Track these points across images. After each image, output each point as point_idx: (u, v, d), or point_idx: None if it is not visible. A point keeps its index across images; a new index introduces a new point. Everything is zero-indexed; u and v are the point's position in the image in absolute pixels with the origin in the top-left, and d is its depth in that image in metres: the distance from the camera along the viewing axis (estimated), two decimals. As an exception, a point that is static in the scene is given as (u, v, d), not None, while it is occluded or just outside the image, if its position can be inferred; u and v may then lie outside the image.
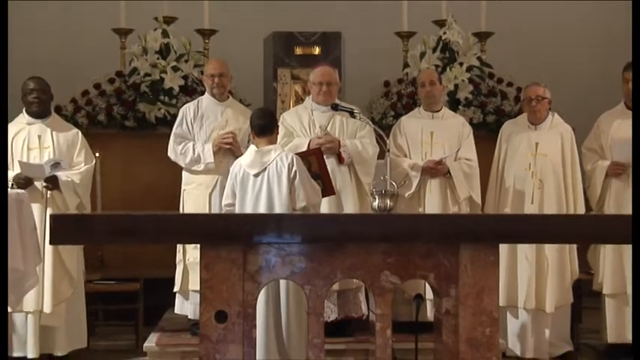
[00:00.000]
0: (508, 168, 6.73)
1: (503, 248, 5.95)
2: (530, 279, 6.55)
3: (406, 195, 6.53)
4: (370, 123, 6.39)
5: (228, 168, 6.05)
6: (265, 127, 5.80)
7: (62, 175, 6.33)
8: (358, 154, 6.39)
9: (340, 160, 6.36)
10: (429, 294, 5.99)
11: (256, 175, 5.69)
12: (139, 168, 7.61)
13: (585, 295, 6.85)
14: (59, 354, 6.41)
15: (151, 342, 6.39)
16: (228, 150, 6.54)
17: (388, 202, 5.30)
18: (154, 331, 6.66)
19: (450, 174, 6.61)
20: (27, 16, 8.76)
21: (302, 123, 6.52)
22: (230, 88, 6.97)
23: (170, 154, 6.69)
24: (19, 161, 6.33)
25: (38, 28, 8.82)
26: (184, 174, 6.71)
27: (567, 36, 9.14)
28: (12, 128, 6.47)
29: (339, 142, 6.37)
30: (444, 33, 8.24)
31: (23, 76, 6.63)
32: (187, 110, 6.77)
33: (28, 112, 6.54)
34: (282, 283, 5.52)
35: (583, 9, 9.12)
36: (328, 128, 6.45)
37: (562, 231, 5.20)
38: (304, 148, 6.20)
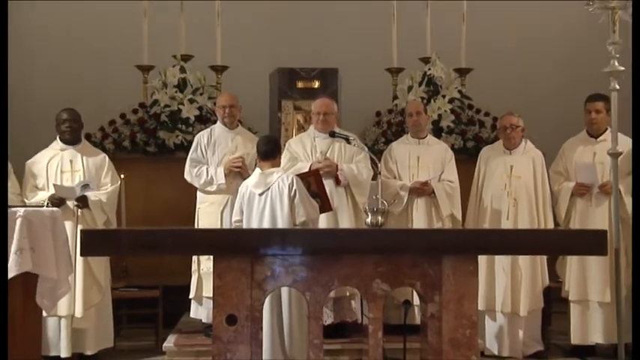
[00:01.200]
0: (486, 188, 6.72)
1: (482, 259, 5.96)
2: (506, 286, 6.53)
3: (396, 212, 6.52)
4: (365, 149, 6.40)
5: (237, 188, 6.03)
6: (269, 152, 5.82)
7: (91, 195, 6.34)
8: (354, 177, 6.39)
9: (337, 182, 6.35)
10: (415, 300, 5.96)
11: (261, 195, 5.70)
12: (159, 188, 7.58)
13: (554, 301, 6.82)
14: (89, 353, 6.39)
15: (169, 342, 6.37)
16: (238, 172, 6.53)
17: (380, 219, 5.28)
18: (172, 333, 6.64)
19: (435, 194, 6.59)
20: (62, 58, 8.86)
21: (305, 149, 6.52)
22: (239, 118, 6.95)
23: (186, 176, 6.69)
24: (54, 184, 6.33)
25: (71, 65, 8.83)
26: (199, 194, 6.70)
27: (539, 73, 9.15)
28: (47, 153, 6.51)
29: (337, 166, 6.37)
30: (429, 69, 8.23)
31: (58, 108, 6.66)
32: (202, 137, 6.78)
33: (61, 140, 6.54)
34: (285, 290, 5.50)
35: (555, 57, 9.15)
36: (328, 154, 6.45)
37: (534, 244, 5.22)
38: (306, 170, 6.21)
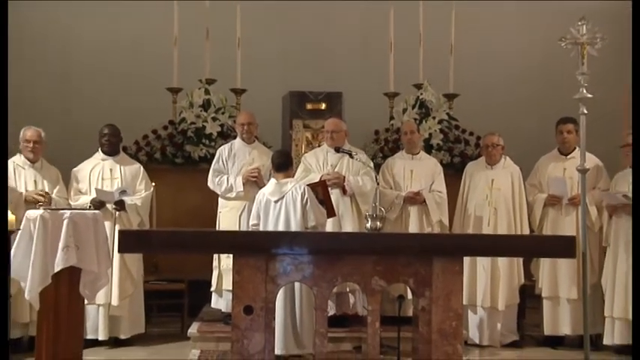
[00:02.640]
0: (470, 198, 6.73)
1: (465, 260, 5.97)
2: (486, 284, 6.54)
3: (392, 218, 6.51)
4: (371, 164, 6.41)
5: (253, 196, 6.03)
6: (282, 165, 5.83)
7: (127, 199, 6.37)
8: (359, 188, 6.38)
9: (344, 191, 6.36)
10: (409, 295, 5.97)
11: (276, 202, 5.70)
12: (185, 195, 7.55)
13: (528, 297, 6.78)
14: (123, 337, 6.40)
15: (193, 329, 6.37)
16: (254, 182, 6.53)
17: (378, 224, 5.28)
18: (196, 321, 6.62)
19: (426, 202, 6.62)
20: (103, 80, 8.89)
21: (318, 161, 6.53)
22: (256, 134, 6.94)
23: (209, 184, 6.70)
24: (96, 188, 6.36)
25: (111, 87, 8.86)
26: (220, 200, 6.70)
27: (517, 98, 9.12)
28: (90, 162, 6.56)
29: (344, 177, 6.38)
30: (421, 94, 8.20)
31: (100, 124, 6.73)
32: (223, 151, 6.79)
33: (102, 151, 6.59)
34: (296, 284, 5.50)
35: (532, 85, 9.15)
36: (337, 167, 6.46)
37: (511, 247, 5.22)
38: (316, 181, 6.22)
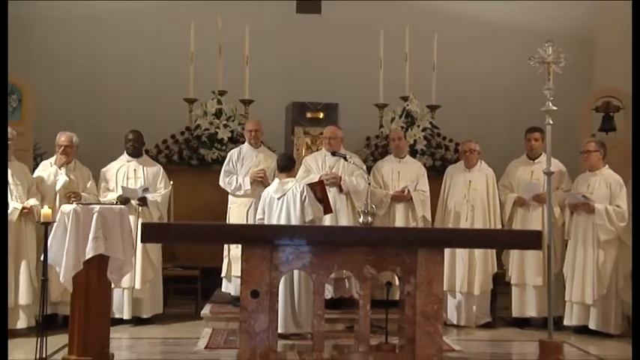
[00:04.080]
0: (450, 197, 6.73)
1: (446, 251, 5.99)
2: (464, 272, 6.55)
3: (381, 214, 6.51)
4: (364, 167, 6.41)
5: (259, 193, 6.07)
6: (285, 166, 5.86)
7: (149, 196, 6.38)
8: (354, 187, 6.41)
9: (340, 190, 6.38)
10: (396, 281, 5.96)
11: (279, 199, 5.73)
12: (199, 192, 7.52)
13: (500, 284, 6.81)
14: (144, 316, 6.42)
15: (205, 310, 6.39)
16: (260, 181, 6.54)
17: (369, 219, 5.30)
18: (208, 303, 6.64)
19: (412, 200, 6.62)
20: (129, 92, 8.86)
21: (317, 163, 6.55)
22: (262, 139, 6.94)
23: (221, 183, 6.70)
24: (122, 186, 6.37)
25: (135, 97, 8.84)
26: (230, 197, 6.71)
27: (492, 110, 9.13)
28: (117, 163, 6.57)
29: (340, 177, 6.40)
30: (407, 105, 8.21)
31: (125, 130, 6.76)
32: (233, 154, 6.80)
33: (127, 154, 6.60)
34: (296, 272, 5.52)
35: (504, 99, 9.16)
36: (334, 169, 6.48)
37: (485, 240, 5.28)
38: (315, 181, 6.24)
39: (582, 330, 6.28)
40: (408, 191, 6.61)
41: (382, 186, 6.75)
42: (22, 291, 5.78)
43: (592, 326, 6.25)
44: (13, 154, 6.01)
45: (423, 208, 6.67)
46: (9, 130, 5.87)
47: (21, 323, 5.79)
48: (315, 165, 6.55)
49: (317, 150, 7.03)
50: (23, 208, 5.80)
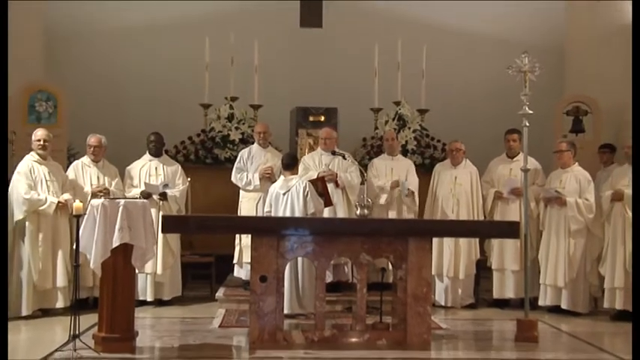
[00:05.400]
0: (438, 192, 6.69)
1: (435, 240, 5.97)
2: (450, 258, 6.52)
3: (383, 202, 6.54)
4: (356, 163, 6.39)
5: (267, 189, 6.04)
6: (290, 165, 5.83)
7: (169, 191, 6.38)
8: (348, 182, 6.39)
9: (337, 185, 6.36)
10: (390, 267, 5.95)
11: (284, 194, 5.71)
12: (214, 188, 7.51)
13: (482, 269, 6.80)
14: (165, 299, 6.41)
15: (219, 293, 6.38)
16: (268, 178, 6.51)
17: (366, 211, 5.30)
18: (222, 287, 6.62)
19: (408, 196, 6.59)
20: (150, 98, 8.88)
21: (314, 162, 6.53)
22: (270, 140, 6.92)
23: (233, 179, 6.68)
24: (145, 183, 6.37)
25: (156, 102, 8.86)
26: (241, 192, 6.69)
27: (476, 114, 9.11)
28: (140, 162, 6.55)
29: (337, 174, 6.38)
30: (400, 109, 8.17)
31: (147, 131, 6.76)
32: (243, 153, 6.77)
33: (149, 153, 6.59)
34: (300, 259, 5.50)
35: (486, 103, 9.09)
36: (330, 166, 6.46)
37: (469, 230, 5.33)
38: (315, 177, 6.24)
39: (555, 309, 6.29)
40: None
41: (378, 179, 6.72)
42: (60, 275, 5.83)
43: (563, 306, 6.25)
44: (50, 154, 6.04)
45: (414, 203, 6.70)
46: (46, 132, 5.92)
47: (59, 303, 5.84)
48: (313, 163, 6.54)
49: (313, 150, 7.00)
50: (58, 202, 5.82)
